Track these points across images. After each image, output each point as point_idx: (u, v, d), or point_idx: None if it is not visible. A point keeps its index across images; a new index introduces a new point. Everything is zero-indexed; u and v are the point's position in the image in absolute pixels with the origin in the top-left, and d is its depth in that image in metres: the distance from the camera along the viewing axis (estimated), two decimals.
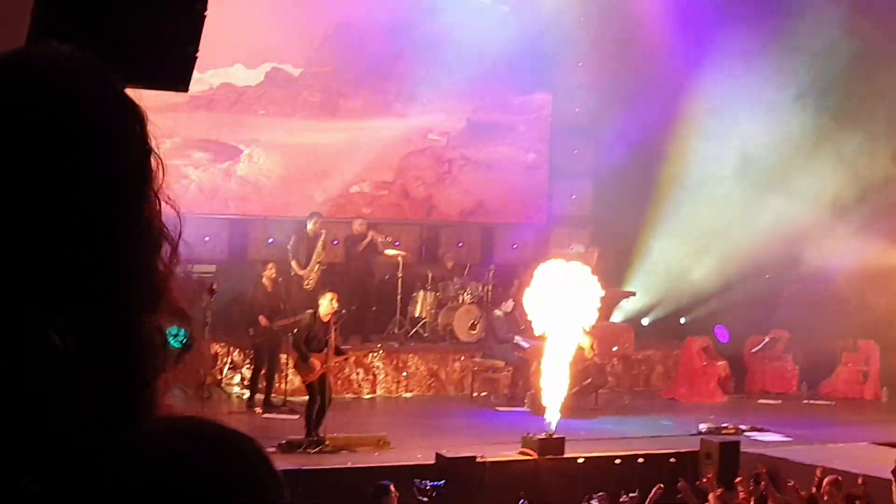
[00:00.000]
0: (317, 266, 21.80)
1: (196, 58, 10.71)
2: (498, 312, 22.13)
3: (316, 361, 17.40)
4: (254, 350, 20.27)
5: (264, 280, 20.11)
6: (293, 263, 21.72)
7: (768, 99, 23.70)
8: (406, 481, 15.14)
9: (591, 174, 26.01)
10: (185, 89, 11.42)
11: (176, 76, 10.95)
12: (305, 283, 21.59)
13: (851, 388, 24.10)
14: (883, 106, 23.51)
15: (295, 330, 18.89)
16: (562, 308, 18.35)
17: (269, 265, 20.27)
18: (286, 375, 20.16)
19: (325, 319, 17.53)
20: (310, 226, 22.00)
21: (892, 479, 14.45)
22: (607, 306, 23.89)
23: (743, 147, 24.28)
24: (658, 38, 24.66)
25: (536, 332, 18.84)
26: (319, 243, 21.91)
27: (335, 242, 23.02)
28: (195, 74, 11.41)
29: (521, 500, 14.50)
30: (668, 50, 24.56)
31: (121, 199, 1.58)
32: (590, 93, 25.36)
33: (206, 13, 10.22)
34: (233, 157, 23.54)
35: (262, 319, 19.82)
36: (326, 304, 17.58)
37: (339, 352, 17.90)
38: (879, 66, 23.30)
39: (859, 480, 14.65)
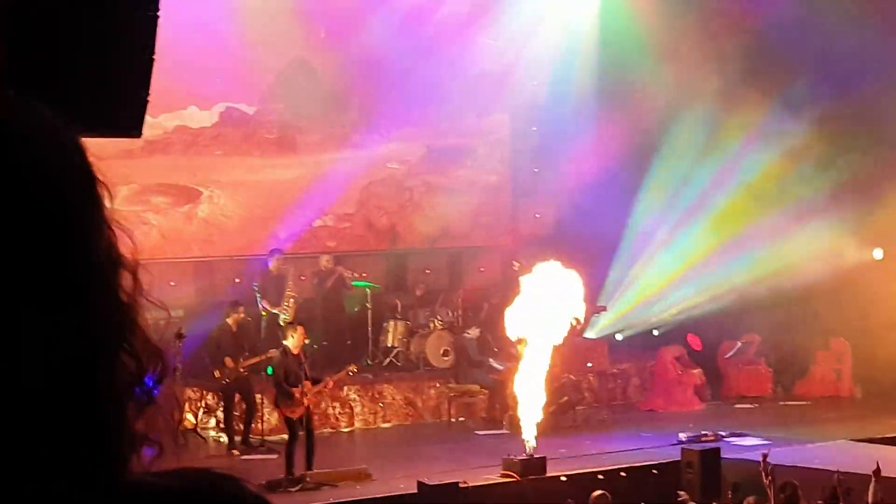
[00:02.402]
0: (291, 300, 21.73)
1: (147, 103, 10.68)
2: (469, 335, 22.10)
3: (299, 396, 17.34)
4: (223, 392, 20.16)
5: (229, 321, 19.99)
6: (263, 303, 21.64)
7: (739, 102, 23.80)
8: None
9: (553, 192, 25.94)
10: (139, 135, 11.40)
11: (128, 122, 10.92)
12: (282, 318, 21.48)
13: (826, 387, 24.16)
14: (859, 110, 23.63)
15: (266, 369, 18.85)
16: (540, 321, 18.34)
17: (236, 306, 20.16)
18: (262, 415, 20.05)
19: (296, 353, 17.49)
20: (271, 264, 21.93)
21: (872, 478, 14.47)
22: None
23: (712, 152, 24.31)
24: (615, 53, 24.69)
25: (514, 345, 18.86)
26: (289, 280, 21.86)
27: (302, 278, 22.96)
28: (148, 119, 11.39)
29: None
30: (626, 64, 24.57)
31: (68, 223, 1.53)
32: (547, 111, 25.36)
33: (153, 58, 10.19)
34: (193, 199, 23.44)
35: (228, 361, 19.71)
36: (297, 338, 17.54)
37: (315, 382, 17.79)
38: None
39: (835, 477, 14.63)
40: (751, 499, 14.35)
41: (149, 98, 10.81)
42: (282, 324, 21.22)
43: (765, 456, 14.65)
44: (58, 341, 1.47)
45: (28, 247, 1.47)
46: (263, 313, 21.67)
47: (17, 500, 1.41)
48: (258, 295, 21.71)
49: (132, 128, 11.09)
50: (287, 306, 21.70)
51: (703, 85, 23.83)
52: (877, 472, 14.56)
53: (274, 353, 18.58)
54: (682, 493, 15.12)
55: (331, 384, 19.38)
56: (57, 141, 1.58)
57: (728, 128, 24.07)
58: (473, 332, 22.11)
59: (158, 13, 10.14)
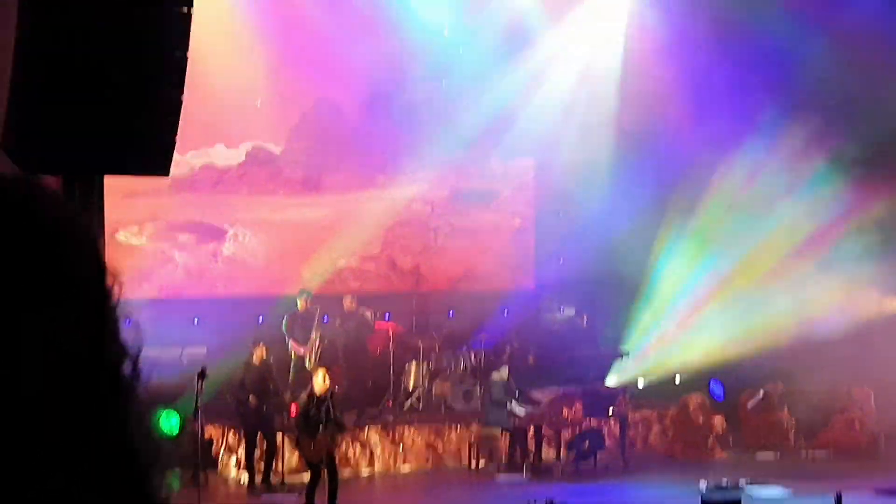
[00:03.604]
0: (317, 342, 21.75)
1: (175, 143, 10.73)
2: (495, 376, 22.03)
3: (319, 439, 17.31)
4: (246, 431, 20.15)
5: (254, 359, 20.01)
6: (290, 343, 21.71)
7: (766, 150, 23.81)
8: None
9: (577, 236, 25.90)
10: (166, 174, 11.43)
11: (156, 162, 10.97)
12: (307, 361, 21.54)
13: (848, 436, 23.99)
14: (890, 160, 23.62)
15: (288, 409, 18.86)
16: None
17: (260, 345, 20.17)
18: (283, 455, 20.02)
19: (321, 396, 17.47)
20: (299, 303, 21.99)
21: None
22: (600, 368, 23.89)
23: (733, 200, 24.29)
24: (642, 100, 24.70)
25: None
26: (315, 319, 21.90)
27: (325, 319, 22.95)
28: (176, 157, 11.43)
29: None
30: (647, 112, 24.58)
31: (76, 310, 1.57)
32: (572, 155, 25.40)
33: (182, 99, 10.23)
34: (218, 237, 23.52)
35: (252, 399, 19.72)
36: (320, 381, 17.53)
37: (339, 425, 17.75)
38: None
39: None
40: None
41: (177, 137, 10.86)
42: (307, 367, 21.25)
43: None
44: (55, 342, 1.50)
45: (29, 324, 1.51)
46: (292, 354, 21.74)
47: (15, 495, 1.43)
48: (286, 334, 21.78)
49: (160, 167, 11.14)
50: (312, 348, 21.72)
51: (729, 132, 23.79)
52: None
53: (301, 395, 18.59)
54: None
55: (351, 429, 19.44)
56: (70, 229, 1.62)
57: (754, 175, 24.03)
58: (502, 373, 21.96)
59: (187, 54, 10.19)
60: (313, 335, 21.86)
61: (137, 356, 1.66)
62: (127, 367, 1.64)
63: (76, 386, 1.53)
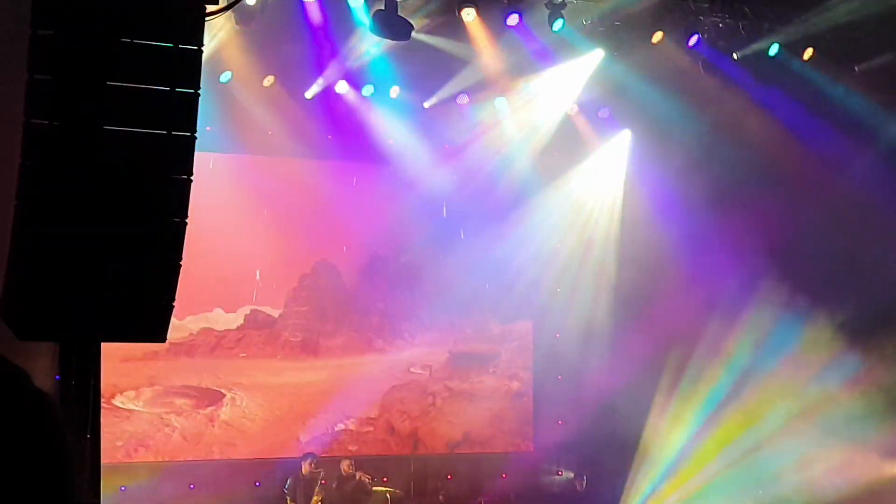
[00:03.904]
0: None
1: (172, 308, 10.75)
2: None
3: None
4: None
5: None
6: None
7: (760, 310, 23.86)
8: None
9: (577, 399, 25.83)
10: (163, 340, 11.42)
11: (153, 328, 10.97)
12: None
13: None
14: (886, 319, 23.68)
15: None
16: None
17: None
18: None
19: None
20: (304, 467, 21.87)
21: None
22: None
23: (735, 366, 24.25)
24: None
25: None
26: (317, 484, 21.77)
27: (322, 483, 22.79)
28: (174, 321, 11.44)
29: None
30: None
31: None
32: (571, 318, 25.46)
33: (180, 265, 10.29)
34: (215, 401, 23.42)
35: None
36: None
37: None
38: None
39: None
40: None
41: (174, 303, 10.88)
42: None
43: None
44: None
45: None
46: None
47: None
48: (287, 496, 21.64)
49: (157, 334, 11.13)
50: None
51: (727, 295, 23.86)
52: None
53: None
54: None
55: None
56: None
57: (755, 338, 24.01)
58: None
59: (186, 220, 10.27)
60: (315, 498, 21.75)
61: None
62: None
63: None
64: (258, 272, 23.61)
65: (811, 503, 23.11)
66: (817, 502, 23.01)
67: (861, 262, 23.56)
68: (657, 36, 21.51)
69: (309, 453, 22.39)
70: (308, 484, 21.79)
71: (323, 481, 22.79)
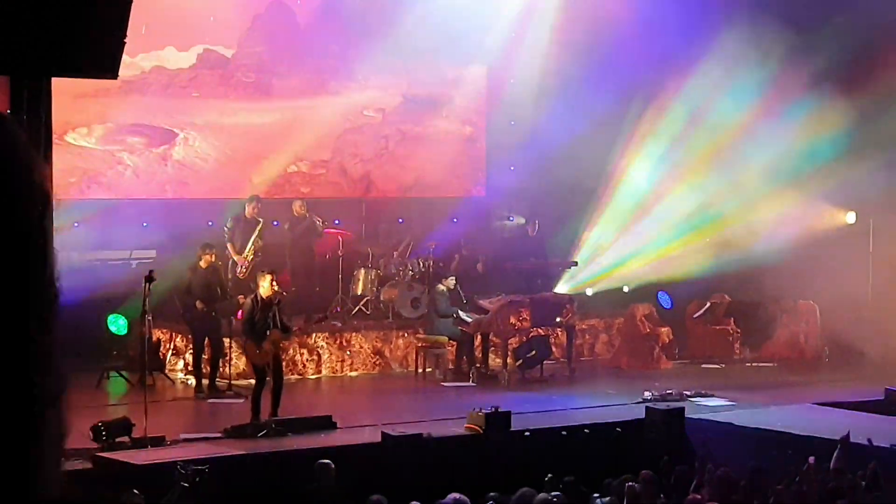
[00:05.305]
0: (252, 255, 21.53)
1: (124, 44, 10.64)
2: (440, 287, 22.08)
3: (265, 343, 17.35)
4: (193, 335, 20.19)
5: (202, 263, 19.97)
6: (229, 246, 21.56)
7: (721, 66, 23.81)
8: (352, 461, 15.14)
9: (529, 145, 25.88)
10: (115, 76, 11.35)
11: (105, 63, 10.89)
12: (239, 270, 21.44)
13: (792, 349, 24.27)
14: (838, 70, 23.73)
15: (235, 313, 18.93)
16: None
17: (208, 249, 20.12)
18: (230, 359, 20.06)
19: (267, 301, 17.47)
20: (248, 209, 21.83)
21: (839, 446, 14.50)
22: (549, 277, 24.01)
23: (691, 115, 24.31)
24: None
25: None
26: (257, 231, 21.65)
27: (275, 224, 22.91)
28: (126, 59, 11.36)
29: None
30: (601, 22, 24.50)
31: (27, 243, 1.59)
32: (525, 64, 25.37)
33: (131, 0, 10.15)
34: (168, 140, 23.36)
35: (199, 304, 19.72)
36: (266, 286, 17.51)
37: (285, 329, 17.75)
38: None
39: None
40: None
41: (126, 39, 10.77)
42: (239, 276, 21.22)
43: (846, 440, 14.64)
44: None
45: None
46: (228, 257, 21.56)
47: None
48: (226, 237, 21.65)
49: (109, 69, 11.06)
50: (247, 259, 21.48)
51: (689, 39, 23.75)
52: (845, 439, 14.62)
53: (243, 298, 18.58)
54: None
55: (297, 332, 19.48)
56: (20, 163, 1.63)
57: (710, 88, 24.03)
58: (448, 283, 22.06)
59: None
60: (250, 245, 21.58)
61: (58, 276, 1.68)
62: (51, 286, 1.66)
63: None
64: (212, 13, 23.31)
65: (758, 247, 23.50)
66: (763, 246, 23.39)
67: (829, 7, 23.55)
68: None
69: (254, 196, 22.25)
70: (248, 227, 21.71)
71: (275, 223, 22.85)
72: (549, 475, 14.23)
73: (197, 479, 13.63)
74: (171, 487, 13.56)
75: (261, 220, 21.79)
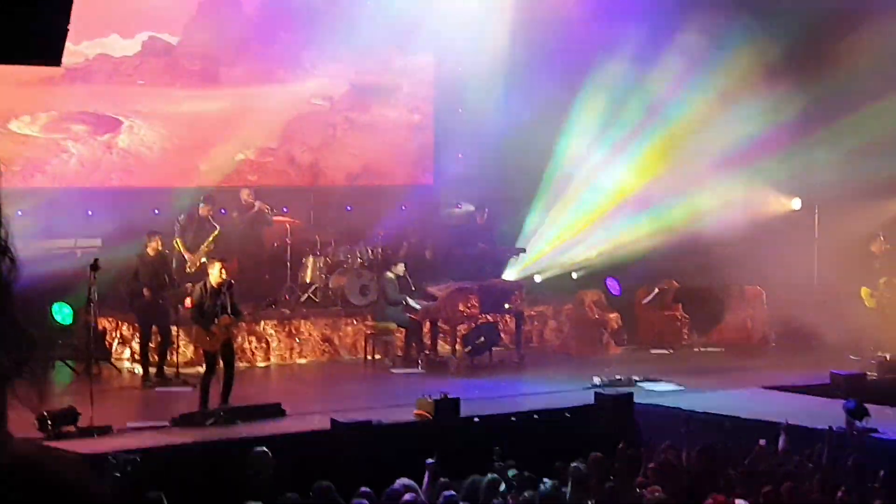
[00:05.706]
0: (203, 257, 21.24)
1: (67, 30, 10.53)
2: (389, 275, 22.07)
3: (214, 328, 17.26)
4: (140, 323, 20.06)
5: (149, 250, 19.85)
6: (178, 240, 21.39)
7: (674, 53, 23.87)
8: (301, 448, 15.11)
9: (477, 133, 25.86)
10: (58, 64, 11.23)
11: (47, 50, 10.76)
12: (188, 266, 21.27)
13: (740, 334, 24.41)
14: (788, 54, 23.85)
15: (183, 301, 18.84)
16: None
17: (155, 237, 20.00)
18: (178, 348, 19.95)
19: (216, 288, 17.38)
20: (202, 209, 21.63)
21: (783, 432, 14.75)
22: (497, 263, 24.03)
23: (641, 102, 24.37)
24: None
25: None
26: (212, 237, 21.44)
27: (223, 212, 22.81)
28: (69, 46, 11.24)
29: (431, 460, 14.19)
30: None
31: None
32: (472, 52, 25.33)
33: None
34: (113, 128, 23.19)
35: (146, 291, 19.61)
36: (216, 273, 17.42)
37: (236, 313, 17.60)
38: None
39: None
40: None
41: (69, 26, 10.66)
42: (188, 272, 21.05)
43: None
44: None
45: None
46: (176, 251, 21.33)
47: None
48: (176, 232, 21.45)
49: (51, 56, 10.93)
50: (197, 259, 21.26)
51: (630, 24, 23.80)
52: (787, 427, 14.90)
53: (192, 286, 18.49)
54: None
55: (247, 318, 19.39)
56: None
57: (654, 70, 24.10)
58: (398, 270, 22.06)
59: None
60: (203, 247, 21.38)
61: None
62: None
63: None
64: (156, 0, 23.17)
65: (706, 233, 23.58)
66: (711, 232, 23.48)
67: None
68: None
69: (208, 195, 22.02)
70: (200, 225, 21.56)
71: (223, 211, 22.75)
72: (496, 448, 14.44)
73: (128, 469, 13.52)
74: (102, 478, 13.43)
75: (217, 227, 21.61)
